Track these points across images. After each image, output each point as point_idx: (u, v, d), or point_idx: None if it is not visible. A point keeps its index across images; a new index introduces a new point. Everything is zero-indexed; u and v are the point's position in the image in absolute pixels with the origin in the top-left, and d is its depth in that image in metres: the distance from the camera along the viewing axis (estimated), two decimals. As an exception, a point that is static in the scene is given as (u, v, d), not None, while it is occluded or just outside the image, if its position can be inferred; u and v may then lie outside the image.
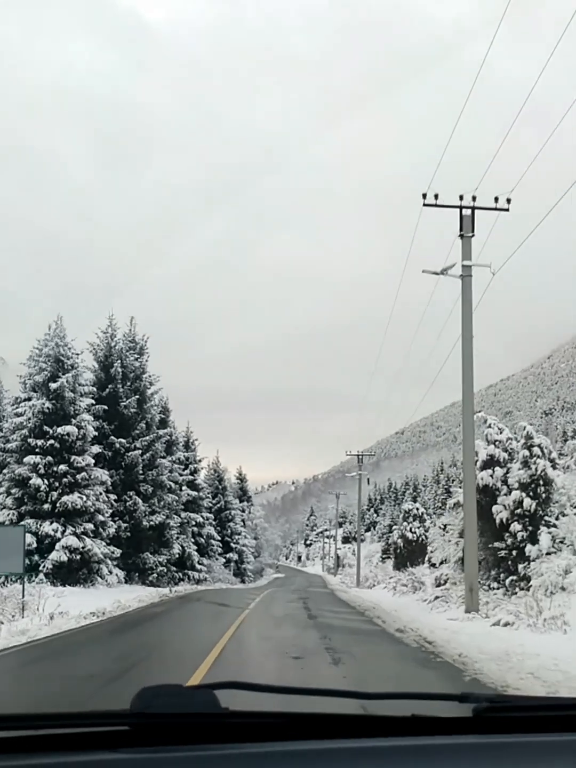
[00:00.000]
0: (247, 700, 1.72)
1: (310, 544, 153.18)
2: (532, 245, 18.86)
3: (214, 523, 59.60)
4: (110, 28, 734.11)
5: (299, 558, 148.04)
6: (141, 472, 35.66)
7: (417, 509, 44.63)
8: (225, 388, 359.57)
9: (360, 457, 45.67)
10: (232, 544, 59.61)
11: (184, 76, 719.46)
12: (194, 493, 52.14)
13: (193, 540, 50.87)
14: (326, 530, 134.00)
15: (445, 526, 24.76)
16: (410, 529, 43.35)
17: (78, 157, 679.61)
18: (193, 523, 48.48)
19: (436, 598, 20.15)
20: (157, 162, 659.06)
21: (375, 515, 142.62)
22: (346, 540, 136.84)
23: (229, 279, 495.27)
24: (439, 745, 1.55)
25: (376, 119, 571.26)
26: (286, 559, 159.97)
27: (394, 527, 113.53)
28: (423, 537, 42.30)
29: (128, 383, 36.49)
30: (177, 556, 40.99)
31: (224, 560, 56.09)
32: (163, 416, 47.52)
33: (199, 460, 56.48)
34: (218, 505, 60.19)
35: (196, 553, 47.25)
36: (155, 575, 35.26)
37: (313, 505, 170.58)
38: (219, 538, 56.14)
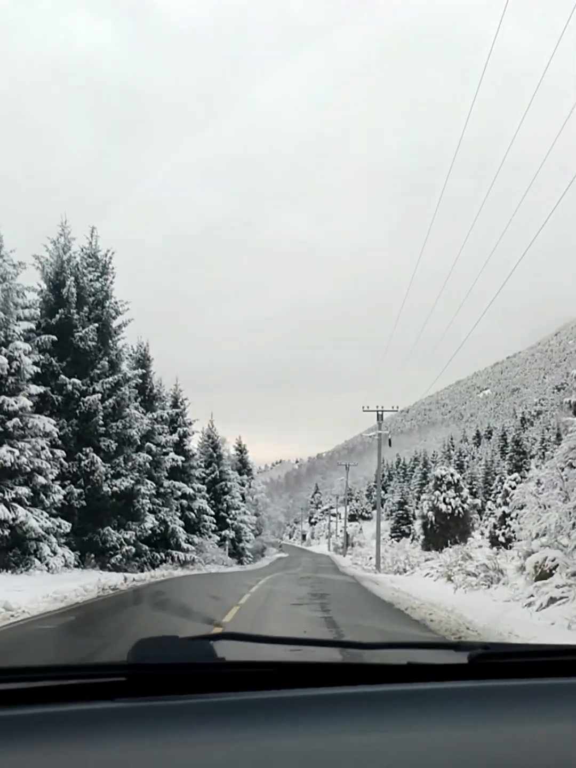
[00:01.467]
0: (244, 651, 1.66)
1: (315, 523, 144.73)
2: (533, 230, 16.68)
3: (207, 495, 50.98)
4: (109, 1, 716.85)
5: (304, 536, 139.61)
6: (102, 422, 26.89)
7: (451, 475, 35.71)
8: (226, 367, 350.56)
9: (380, 413, 36.80)
10: (228, 520, 50.99)
11: (185, 51, 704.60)
12: (181, 459, 43.44)
13: (179, 514, 42.25)
14: (332, 507, 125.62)
15: (538, 482, 15.96)
16: (444, 499, 34.51)
17: (78, 133, 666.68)
18: (180, 493, 39.79)
19: (553, 600, 11.34)
20: (159, 138, 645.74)
21: (383, 492, 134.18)
22: (352, 518, 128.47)
23: (231, 257, 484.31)
24: (434, 690, 1.55)
25: (382, 95, 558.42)
26: (290, 537, 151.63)
27: (406, 505, 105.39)
28: (460, 509, 33.61)
29: (86, 309, 27.62)
30: (151, 531, 32.38)
31: (219, 538, 47.51)
32: (142, 369, 38.88)
33: (190, 423, 47.74)
34: (212, 476, 51.53)
35: (182, 529, 38.57)
36: (120, 556, 26.55)
37: (318, 482, 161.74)
38: (213, 513, 47.51)
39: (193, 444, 52.58)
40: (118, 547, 26.36)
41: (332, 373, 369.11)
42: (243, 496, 68.38)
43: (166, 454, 38.29)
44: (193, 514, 45.70)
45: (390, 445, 36.16)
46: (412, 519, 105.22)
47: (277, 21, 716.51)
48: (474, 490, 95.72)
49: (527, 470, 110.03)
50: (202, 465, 51.95)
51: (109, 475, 26.42)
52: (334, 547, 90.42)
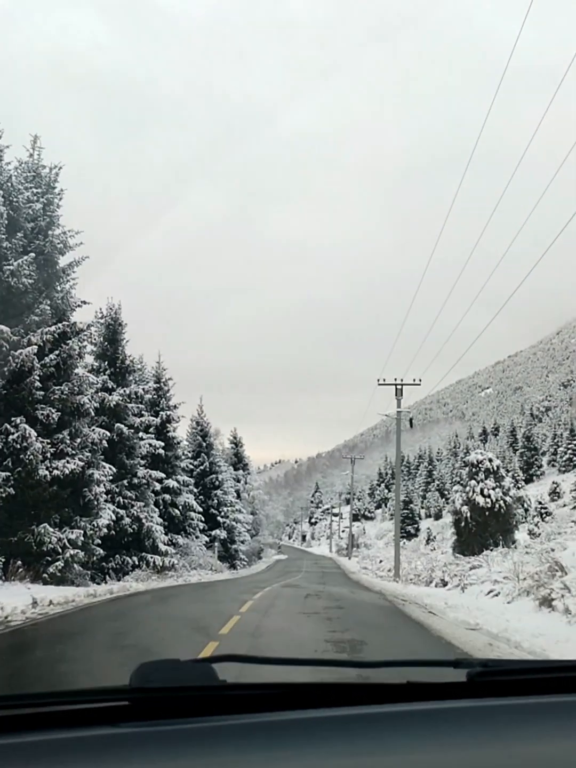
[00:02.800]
0: (245, 673, 1.72)
1: (315, 523, 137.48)
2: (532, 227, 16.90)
3: (195, 490, 43.92)
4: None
5: (303, 537, 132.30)
6: (39, 385, 19.82)
7: (489, 461, 28.44)
8: (226, 367, 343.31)
9: (399, 387, 29.77)
10: (219, 518, 43.88)
11: (182, 45, 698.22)
12: (162, 446, 36.51)
13: (160, 510, 35.30)
14: (333, 506, 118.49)
15: None
16: (482, 490, 27.34)
17: (76, 128, 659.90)
18: (159, 486, 32.81)
19: None
20: (157, 135, 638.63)
21: (386, 491, 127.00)
22: (355, 517, 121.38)
23: (231, 256, 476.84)
24: (434, 710, 1.54)
25: (382, 95, 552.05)
26: (289, 538, 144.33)
27: (411, 504, 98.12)
28: (501, 502, 26.53)
29: (21, 235, 20.57)
30: (119, 530, 25.44)
31: (207, 539, 40.44)
32: (112, 337, 31.97)
33: (175, 407, 40.72)
34: (201, 468, 44.44)
35: (161, 528, 31.59)
36: (62, 563, 19.42)
37: (318, 480, 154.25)
38: (201, 509, 40.45)
39: (181, 432, 45.59)
40: (59, 551, 19.23)
41: (332, 374, 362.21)
42: (238, 492, 61.57)
43: (142, 438, 31.27)
44: (177, 510, 38.74)
45: (411, 425, 29.25)
46: (417, 519, 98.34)
47: (276, 17, 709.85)
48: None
49: (539, 467, 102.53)
50: (190, 455, 44.90)
51: (49, 455, 19.34)
52: (336, 549, 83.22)
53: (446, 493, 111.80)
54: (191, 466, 43.88)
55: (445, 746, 1.38)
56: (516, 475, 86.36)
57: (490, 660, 1.81)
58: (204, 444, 44.82)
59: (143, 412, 39.36)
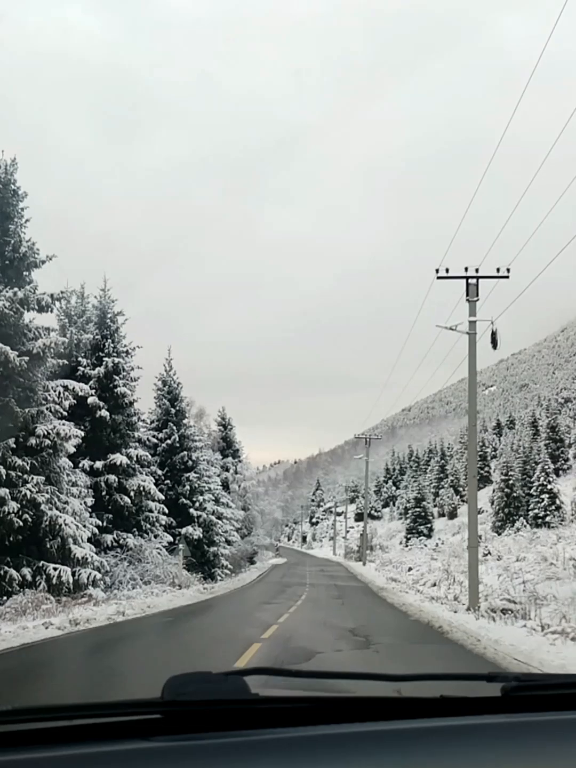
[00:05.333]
0: (277, 685, 1.66)
1: (317, 523, 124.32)
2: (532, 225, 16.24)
3: (160, 472, 31.45)
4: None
5: (304, 538, 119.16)
6: None
7: None
8: (224, 368, 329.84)
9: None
10: (191, 511, 31.18)
11: (184, 45, 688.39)
12: (103, 406, 24.40)
13: (91, 497, 23.06)
14: (336, 505, 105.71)
15: None
16: None
17: (75, 128, 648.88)
18: (69, 445, 20.23)
19: None
20: (157, 135, 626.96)
21: (394, 488, 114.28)
22: (359, 517, 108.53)
23: (230, 256, 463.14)
24: (469, 726, 1.49)
25: (384, 94, 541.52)
26: (289, 539, 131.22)
27: (424, 502, 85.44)
28: None
29: None
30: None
31: (172, 539, 27.75)
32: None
33: (126, 352, 28.30)
34: (167, 442, 31.78)
35: (80, 525, 19.14)
36: None
37: (320, 477, 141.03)
38: (162, 497, 27.89)
39: (145, 399, 33.13)
40: None
41: (332, 374, 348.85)
42: (226, 483, 49.10)
43: (37, 368, 18.65)
44: (127, 498, 26.38)
45: (495, 346, 17.07)
46: (431, 518, 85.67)
47: (275, 12, 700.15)
48: (510, 480, 76.29)
49: (565, 460, 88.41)
50: (153, 425, 32.39)
51: None
52: (344, 552, 70.21)
53: (461, 490, 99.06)
54: (154, 441, 31.34)
55: (479, 763, 1.35)
56: (546, 466, 73.99)
57: (525, 674, 1.79)
58: (172, 411, 32.18)
59: (79, 357, 26.81)
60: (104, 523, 25.62)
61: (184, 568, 27.00)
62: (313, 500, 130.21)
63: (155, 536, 27.18)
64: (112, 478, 26.02)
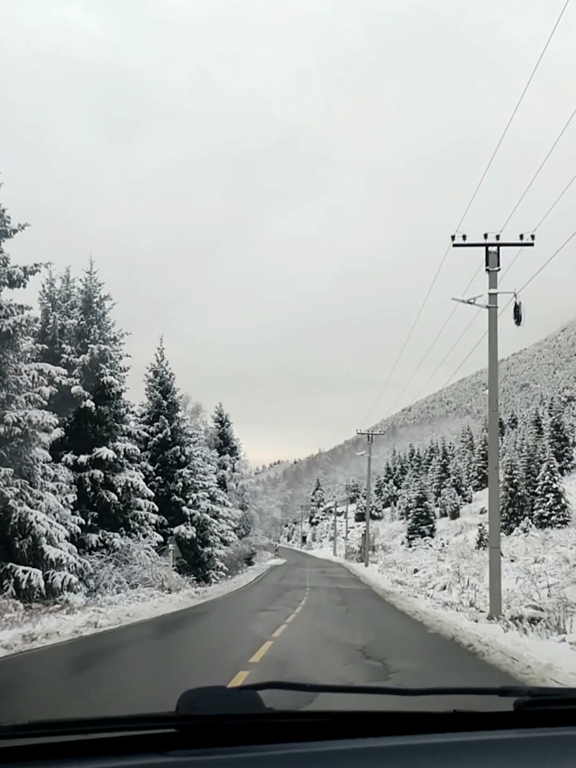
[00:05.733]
0: (290, 699, 1.66)
1: (317, 523, 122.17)
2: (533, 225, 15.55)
3: (151, 468, 29.55)
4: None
5: (304, 538, 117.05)
6: None
7: None
8: (223, 368, 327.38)
9: (494, 250, 15.12)
10: (184, 509, 29.17)
11: (184, 45, 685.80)
12: (88, 396, 22.64)
13: (73, 493, 21.20)
14: (336, 504, 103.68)
15: None
16: None
17: (75, 128, 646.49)
18: (46, 437, 18.27)
19: None
20: (157, 135, 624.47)
21: (395, 488, 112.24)
22: (360, 517, 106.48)
23: (229, 256, 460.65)
24: (481, 741, 1.49)
25: (383, 92, 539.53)
26: (288, 539, 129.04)
27: (426, 501, 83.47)
28: None
29: None
30: None
31: (162, 539, 25.74)
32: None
33: (114, 339, 26.45)
34: (158, 437, 29.79)
35: (47, 522, 17.11)
36: None
37: (320, 477, 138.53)
38: (152, 493, 25.92)
39: (136, 391, 31.21)
40: None
41: (332, 374, 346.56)
42: (222, 481, 47.24)
43: (7, 348, 16.68)
44: (114, 495, 24.50)
45: (518, 321, 15.01)
46: (432, 518, 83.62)
47: (274, 12, 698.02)
48: (514, 480, 74.27)
49: (569, 459, 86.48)
50: (143, 418, 30.44)
51: None
52: (345, 552, 68.14)
53: (464, 489, 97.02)
54: (145, 435, 29.36)
55: None
56: (551, 465, 71.99)
57: (539, 688, 1.76)
58: (164, 403, 30.18)
59: (63, 344, 24.97)
60: (89, 522, 23.69)
61: (175, 570, 25.01)
62: (312, 500, 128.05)
63: (144, 536, 25.23)
64: (98, 473, 24.07)
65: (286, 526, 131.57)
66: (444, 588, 22.92)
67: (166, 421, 29.97)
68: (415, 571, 31.91)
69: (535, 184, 14.67)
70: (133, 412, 27.32)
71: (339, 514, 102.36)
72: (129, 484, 24.98)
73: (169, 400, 30.50)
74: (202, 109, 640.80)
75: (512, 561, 25.12)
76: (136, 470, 26.56)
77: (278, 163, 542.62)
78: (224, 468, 49.70)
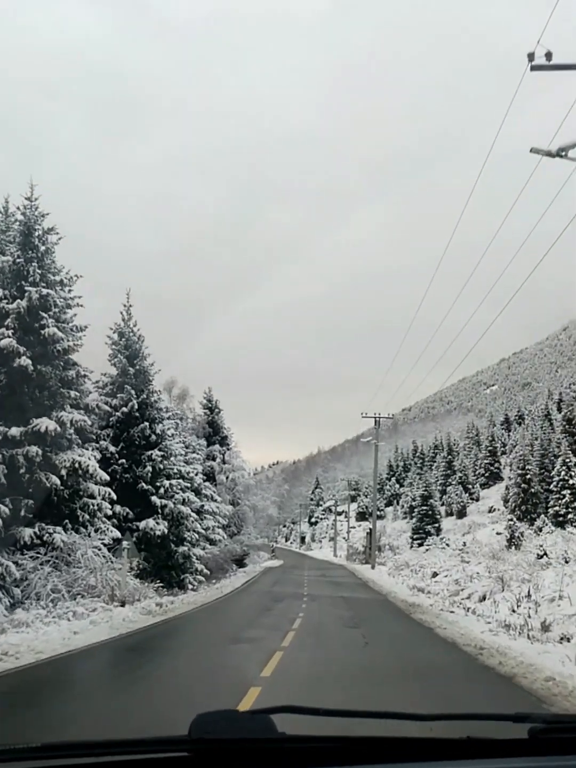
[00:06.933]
0: (303, 724, 1.62)
1: (316, 523, 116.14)
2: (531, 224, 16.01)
3: (113, 449, 23.79)
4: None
5: (302, 539, 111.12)
6: None
7: None
8: (220, 369, 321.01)
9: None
10: (154, 499, 23.38)
11: (182, 45, 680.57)
12: (25, 352, 16.72)
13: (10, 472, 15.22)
14: (336, 503, 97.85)
15: None
16: None
17: (72, 126, 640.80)
18: None
19: None
20: (156, 134, 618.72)
21: (397, 486, 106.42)
22: (361, 516, 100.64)
23: (227, 256, 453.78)
24: None
25: (379, 89, 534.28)
26: (287, 540, 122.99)
27: (431, 500, 77.59)
28: None
29: None
30: None
31: (119, 535, 19.93)
32: None
33: (62, 283, 20.76)
34: (123, 411, 23.99)
35: None
36: None
37: (319, 475, 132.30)
38: (106, 477, 20.13)
39: (103, 361, 25.50)
40: None
41: (329, 375, 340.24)
42: (211, 474, 41.62)
43: None
44: (56, 478, 18.82)
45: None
46: (438, 517, 77.87)
47: (274, 11, 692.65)
48: (528, 476, 68.59)
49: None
50: (105, 388, 24.72)
51: None
52: (347, 553, 62.15)
53: (470, 487, 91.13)
54: (107, 409, 23.59)
55: None
56: (567, 459, 66.34)
57: (554, 715, 1.65)
58: (131, 370, 24.40)
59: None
60: (22, 512, 18.04)
61: (136, 574, 19.27)
62: (312, 499, 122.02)
63: (97, 531, 19.50)
64: (35, 450, 18.34)
65: (284, 526, 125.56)
66: (483, 598, 17.17)
67: (133, 392, 24.21)
68: (435, 574, 26.17)
69: None
70: (87, 377, 21.55)
71: (339, 514, 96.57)
72: (77, 466, 19.27)
73: (138, 367, 24.74)
74: (200, 108, 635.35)
75: (566, 561, 19.36)
76: (90, 450, 20.87)
77: (277, 163, 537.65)
78: (213, 459, 44.01)
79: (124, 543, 17.62)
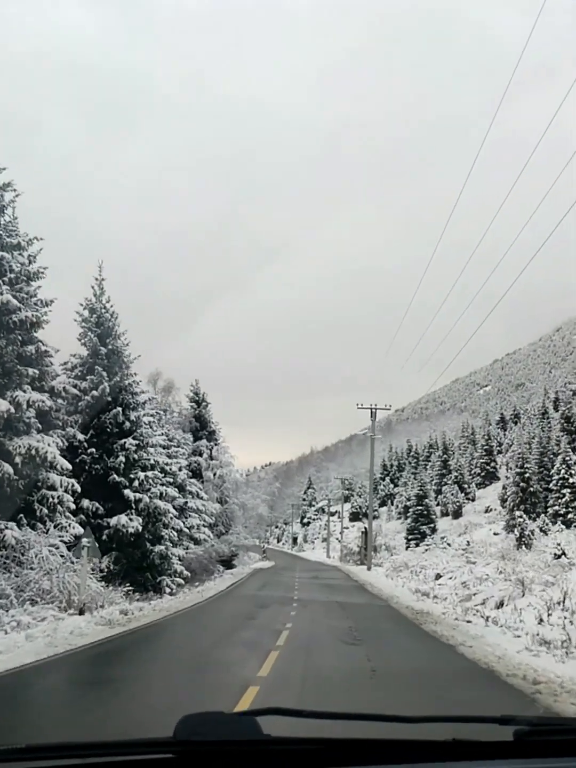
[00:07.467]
0: (289, 726, 1.60)
1: (308, 523, 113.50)
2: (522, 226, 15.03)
3: (82, 437, 21.14)
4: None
5: (295, 540, 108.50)
6: None
7: None
8: (217, 369, 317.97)
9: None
10: (127, 492, 20.85)
11: (180, 44, 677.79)
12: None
13: None
14: (329, 503, 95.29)
15: None
16: None
17: (64, 126, 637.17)
18: None
19: None
20: (147, 134, 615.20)
21: (392, 486, 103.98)
22: (355, 517, 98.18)
23: (224, 256, 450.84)
24: None
25: (372, 87, 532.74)
26: (278, 541, 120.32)
27: (426, 499, 74.83)
28: None
29: None
30: None
31: (81, 531, 17.40)
32: None
33: (18, 244, 18.11)
34: (93, 394, 21.43)
35: None
36: None
37: (312, 475, 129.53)
38: (68, 466, 17.54)
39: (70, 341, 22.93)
40: None
41: (326, 376, 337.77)
42: (197, 470, 39.10)
43: None
44: (9, 467, 16.14)
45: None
46: (433, 517, 75.50)
47: (273, 10, 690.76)
48: (526, 474, 66.30)
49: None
50: (75, 370, 22.15)
51: None
52: (340, 554, 59.54)
53: (466, 487, 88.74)
54: (76, 392, 21.03)
55: None
56: (567, 458, 64.07)
57: (539, 717, 1.63)
58: (103, 351, 21.85)
59: None
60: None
61: (100, 577, 16.71)
62: (304, 499, 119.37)
63: (57, 527, 16.94)
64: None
65: (276, 526, 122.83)
66: (501, 604, 14.68)
67: (105, 374, 21.63)
68: (438, 576, 23.69)
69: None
70: (50, 355, 18.98)
71: (332, 514, 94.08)
72: (34, 453, 16.70)
73: (110, 347, 22.18)
74: (199, 108, 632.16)
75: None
76: (54, 436, 18.31)
77: (276, 162, 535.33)
78: (200, 454, 41.50)
79: (84, 540, 15.08)
